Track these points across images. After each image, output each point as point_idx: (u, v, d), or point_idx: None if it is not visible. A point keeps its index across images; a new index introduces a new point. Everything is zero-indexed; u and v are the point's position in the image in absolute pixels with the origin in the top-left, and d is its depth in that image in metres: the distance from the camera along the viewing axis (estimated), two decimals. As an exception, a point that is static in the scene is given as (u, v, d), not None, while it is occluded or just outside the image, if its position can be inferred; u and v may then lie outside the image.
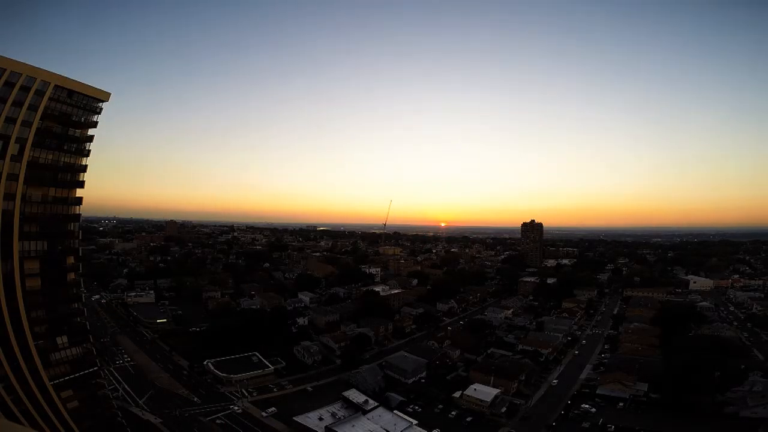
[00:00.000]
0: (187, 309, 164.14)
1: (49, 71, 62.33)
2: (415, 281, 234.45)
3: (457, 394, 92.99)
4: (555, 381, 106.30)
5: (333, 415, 79.75)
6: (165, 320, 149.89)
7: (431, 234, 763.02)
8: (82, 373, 66.66)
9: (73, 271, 67.97)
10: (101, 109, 70.26)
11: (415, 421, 78.81)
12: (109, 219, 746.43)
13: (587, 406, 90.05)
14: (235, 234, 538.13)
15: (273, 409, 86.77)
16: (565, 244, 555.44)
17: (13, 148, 58.82)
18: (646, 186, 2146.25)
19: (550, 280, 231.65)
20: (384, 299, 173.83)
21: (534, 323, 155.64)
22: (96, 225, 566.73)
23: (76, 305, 68.57)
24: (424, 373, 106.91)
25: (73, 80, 65.97)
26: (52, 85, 62.71)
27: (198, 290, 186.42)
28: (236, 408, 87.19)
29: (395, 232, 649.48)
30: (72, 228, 68.50)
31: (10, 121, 58.42)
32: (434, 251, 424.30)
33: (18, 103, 59.01)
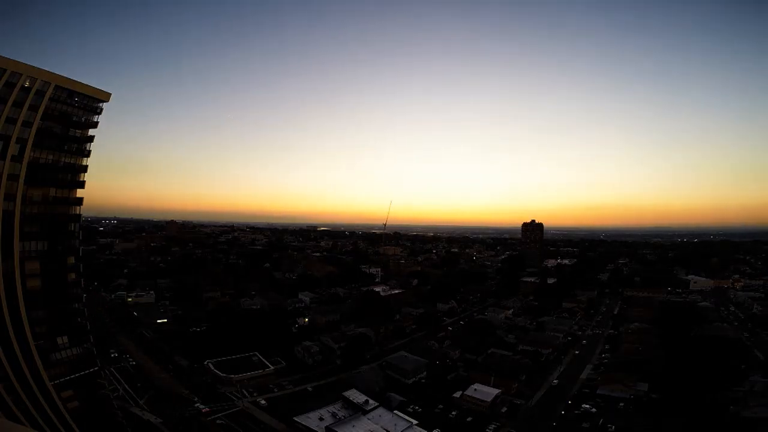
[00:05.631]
0: (187, 309, 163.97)
1: (49, 72, 62.39)
2: (415, 281, 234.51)
3: (457, 394, 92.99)
4: (555, 381, 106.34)
5: (333, 415, 79.80)
6: (165, 320, 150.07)
7: (431, 234, 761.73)
8: (82, 373, 66.76)
9: (73, 271, 68.06)
10: (101, 109, 70.47)
11: (415, 421, 78.89)
12: (109, 219, 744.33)
13: (588, 406, 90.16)
14: (236, 234, 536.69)
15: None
16: (565, 244, 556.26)
17: (13, 149, 58.96)
18: (646, 186, 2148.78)
19: (550, 280, 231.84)
20: (384, 299, 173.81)
21: (534, 323, 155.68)
22: (96, 225, 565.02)
23: (77, 305, 68.64)
24: (425, 373, 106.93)
25: (74, 80, 66.10)
26: (52, 86, 62.81)
27: (198, 290, 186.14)
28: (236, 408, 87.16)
29: (395, 233, 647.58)
30: (72, 228, 68.63)
31: (11, 121, 58.53)
32: (434, 251, 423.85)
33: (19, 104, 59.09)
